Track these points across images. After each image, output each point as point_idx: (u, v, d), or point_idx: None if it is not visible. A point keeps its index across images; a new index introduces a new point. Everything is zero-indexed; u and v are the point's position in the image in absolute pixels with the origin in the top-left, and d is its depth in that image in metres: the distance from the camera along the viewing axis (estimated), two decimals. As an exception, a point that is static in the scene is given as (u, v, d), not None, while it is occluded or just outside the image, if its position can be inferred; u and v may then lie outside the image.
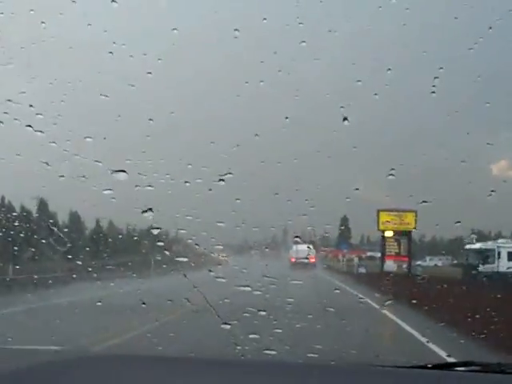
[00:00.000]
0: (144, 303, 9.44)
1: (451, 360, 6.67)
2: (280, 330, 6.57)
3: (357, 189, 9.30)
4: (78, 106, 9.32)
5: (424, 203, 9.23)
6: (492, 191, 8.74)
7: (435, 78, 7.77)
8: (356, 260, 40.11)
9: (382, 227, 36.64)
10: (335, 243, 43.33)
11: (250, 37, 9.32)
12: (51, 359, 3.42)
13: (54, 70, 9.77)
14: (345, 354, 6.01)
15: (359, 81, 8.58)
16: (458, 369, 3.33)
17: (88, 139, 8.65)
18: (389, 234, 37.01)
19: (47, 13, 8.75)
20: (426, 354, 9.43)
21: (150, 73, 8.01)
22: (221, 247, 9.99)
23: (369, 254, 46.99)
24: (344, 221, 31.77)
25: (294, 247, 32.34)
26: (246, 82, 8.78)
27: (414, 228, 35.40)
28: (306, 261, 32.92)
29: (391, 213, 36.16)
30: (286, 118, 9.00)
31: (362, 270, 32.87)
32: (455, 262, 43.44)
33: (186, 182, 9.34)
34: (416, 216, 34.11)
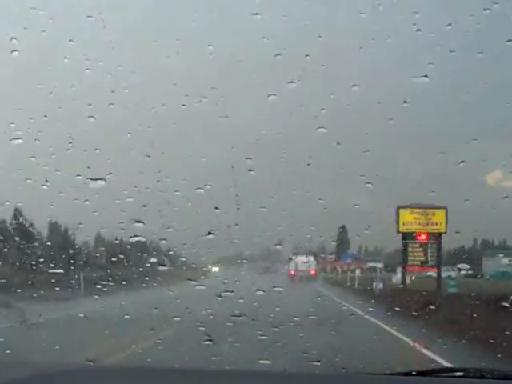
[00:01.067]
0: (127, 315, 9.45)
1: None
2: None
3: (320, 199, 9.43)
4: (58, 122, 9.36)
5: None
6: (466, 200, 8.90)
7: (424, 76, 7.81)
8: (377, 272, 31.02)
9: (402, 229, 28.06)
10: (337, 254, 38.13)
11: (225, 51, 9.46)
12: (48, 371, 3.52)
13: (33, 85, 9.80)
14: (331, 362, 6.10)
15: (332, 94, 8.76)
16: (441, 375, 3.50)
17: (69, 151, 8.74)
18: (413, 237, 28.72)
19: (25, 28, 8.80)
20: (414, 361, 8.92)
21: (126, 89, 8.08)
22: (204, 259, 10.06)
23: (370, 264, 40.46)
24: (342, 230, 27.67)
25: (294, 258, 30.05)
26: (222, 97, 8.91)
27: (445, 230, 27.32)
28: (307, 274, 30.54)
29: (415, 210, 28.16)
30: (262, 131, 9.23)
31: (380, 286, 25.30)
32: (469, 272, 34.99)
33: (163, 191, 9.47)
34: (447, 214, 27.04)
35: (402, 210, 27.72)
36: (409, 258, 28.43)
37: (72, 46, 8.49)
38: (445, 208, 26.87)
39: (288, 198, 10.40)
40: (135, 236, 8.31)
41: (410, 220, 28.28)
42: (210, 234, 7.99)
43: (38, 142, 8.64)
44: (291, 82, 7.95)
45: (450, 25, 7.94)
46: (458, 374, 3.39)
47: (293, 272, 30.17)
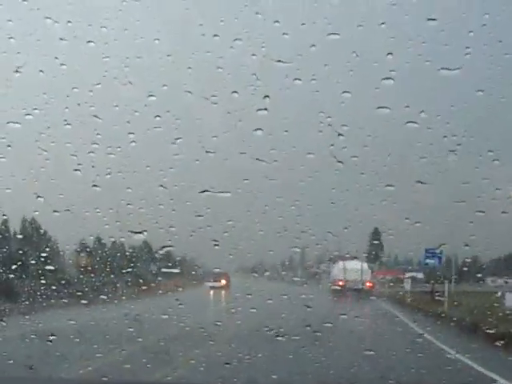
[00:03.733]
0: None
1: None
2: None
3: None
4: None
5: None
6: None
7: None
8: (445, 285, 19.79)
9: None
10: (369, 259, 25.88)
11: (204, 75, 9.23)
12: None
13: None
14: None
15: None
16: None
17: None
18: None
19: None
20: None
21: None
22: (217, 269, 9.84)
23: (408, 274, 30.42)
24: (375, 235, 19.21)
25: (341, 264, 21.82)
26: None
27: None
28: (361, 287, 21.19)
29: None
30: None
31: None
32: None
33: (171, 199, 9.24)
34: None
35: None
36: None
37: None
38: None
39: (312, 203, 10.13)
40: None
41: None
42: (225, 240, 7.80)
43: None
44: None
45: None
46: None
47: (341, 283, 21.38)
